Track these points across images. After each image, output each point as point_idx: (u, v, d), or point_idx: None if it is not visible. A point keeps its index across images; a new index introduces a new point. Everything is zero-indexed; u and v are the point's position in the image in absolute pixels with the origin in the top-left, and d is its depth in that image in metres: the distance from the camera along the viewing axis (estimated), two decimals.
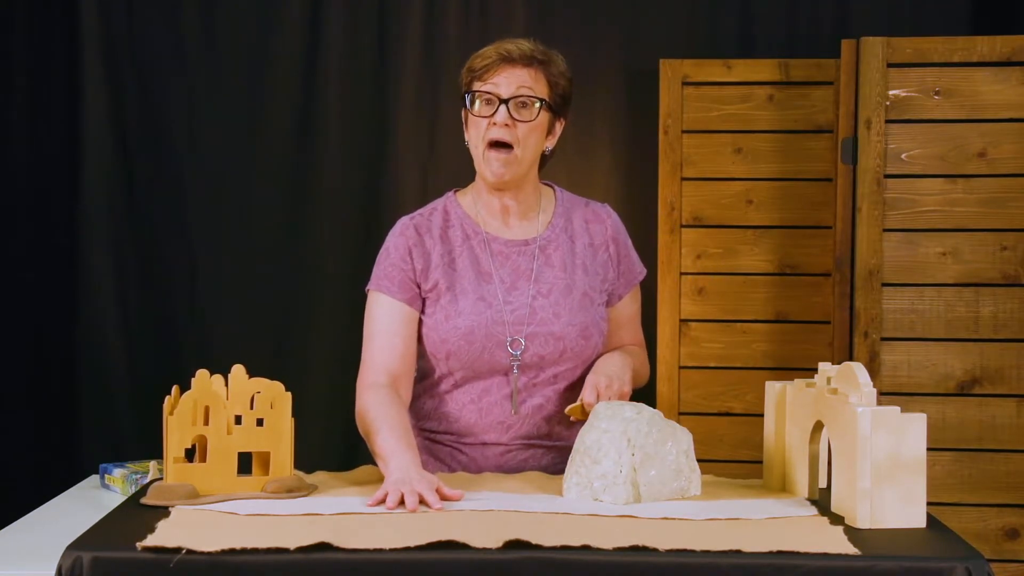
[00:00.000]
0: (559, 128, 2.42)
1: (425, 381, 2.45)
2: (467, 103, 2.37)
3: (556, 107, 2.38)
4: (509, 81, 2.32)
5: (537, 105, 2.34)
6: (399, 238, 2.42)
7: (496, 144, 2.33)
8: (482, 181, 2.41)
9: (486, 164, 2.35)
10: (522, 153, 2.35)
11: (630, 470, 2.03)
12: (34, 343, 3.88)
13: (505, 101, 2.32)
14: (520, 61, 2.33)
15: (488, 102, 2.33)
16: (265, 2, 3.91)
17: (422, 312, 2.40)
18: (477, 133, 2.35)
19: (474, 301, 2.35)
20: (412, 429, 2.34)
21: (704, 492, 2.12)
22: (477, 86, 2.35)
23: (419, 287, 2.40)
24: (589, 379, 2.32)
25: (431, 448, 2.44)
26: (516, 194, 2.42)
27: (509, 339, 2.34)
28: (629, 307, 2.52)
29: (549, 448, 2.38)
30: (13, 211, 3.84)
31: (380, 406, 2.28)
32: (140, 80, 3.91)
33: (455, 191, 2.50)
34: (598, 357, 2.43)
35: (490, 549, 1.72)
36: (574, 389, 2.40)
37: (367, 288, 2.44)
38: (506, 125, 2.32)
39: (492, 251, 2.41)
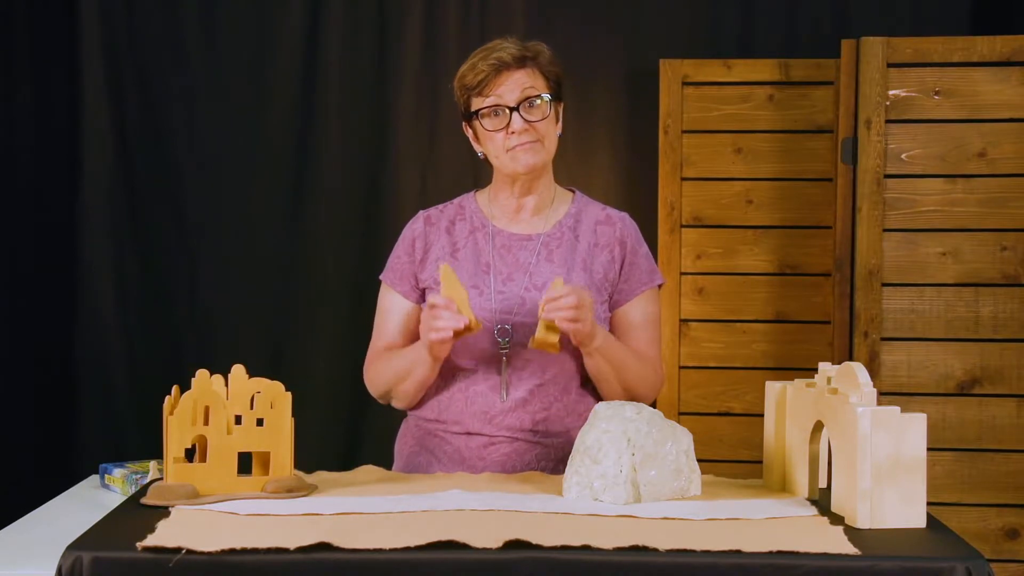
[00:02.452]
0: (561, 112, 2.45)
1: None
2: (474, 119, 2.39)
3: (556, 95, 2.41)
4: (511, 87, 2.35)
5: (545, 102, 2.37)
6: (407, 230, 2.52)
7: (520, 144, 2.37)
8: (506, 178, 2.44)
9: (514, 160, 2.38)
10: (548, 143, 2.40)
11: (630, 470, 2.03)
12: (34, 343, 3.88)
13: (515, 108, 2.34)
14: (515, 64, 2.35)
15: (496, 114, 2.35)
16: (265, 3, 3.91)
17: (421, 302, 2.46)
18: (495, 145, 2.38)
19: (467, 289, 2.37)
20: (409, 417, 2.52)
21: (704, 492, 2.12)
22: (479, 102, 2.37)
23: (416, 278, 2.46)
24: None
25: (422, 439, 2.47)
26: (533, 186, 2.44)
27: (497, 327, 2.36)
28: (634, 312, 2.48)
29: (533, 444, 2.38)
30: (14, 211, 3.84)
31: (378, 361, 2.47)
32: (140, 80, 3.91)
33: (475, 191, 2.55)
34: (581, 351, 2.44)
35: (490, 549, 1.73)
36: (564, 386, 2.40)
37: (380, 276, 2.54)
38: (524, 130, 2.35)
39: (495, 244, 2.44)
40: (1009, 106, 3.41)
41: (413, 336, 2.46)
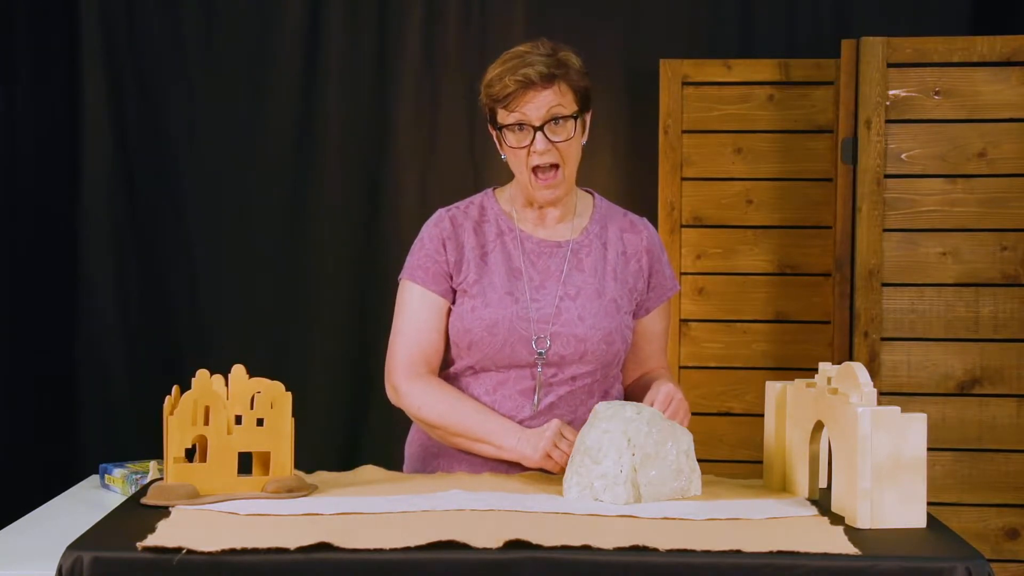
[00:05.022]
0: (589, 119, 2.41)
1: (444, 371, 2.46)
2: (498, 131, 2.35)
3: (584, 108, 2.38)
4: (537, 106, 2.30)
5: (571, 122, 2.33)
6: (434, 229, 2.43)
7: (541, 166, 2.34)
8: (525, 196, 2.41)
9: (534, 189, 2.36)
10: (568, 170, 2.36)
11: (630, 470, 2.03)
12: (34, 343, 3.88)
13: (539, 128, 2.30)
14: (541, 83, 2.29)
15: (521, 130, 2.31)
16: (265, 2, 3.91)
17: (452, 303, 2.41)
18: (518, 160, 2.34)
19: (502, 295, 2.36)
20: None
21: (704, 492, 2.12)
22: (505, 116, 2.32)
23: (451, 279, 2.41)
24: (662, 388, 2.28)
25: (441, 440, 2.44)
26: (555, 202, 2.42)
27: (534, 337, 2.35)
28: (656, 323, 2.49)
29: None
30: (13, 211, 3.84)
31: (446, 391, 2.37)
32: (140, 80, 3.91)
33: (494, 188, 2.50)
34: (620, 363, 2.44)
35: (490, 549, 1.73)
36: (589, 391, 2.40)
37: (400, 277, 2.45)
38: (547, 150, 2.31)
39: (524, 249, 2.41)
40: (1009, 106, 3.41)
41: (444, 335, 2.41)
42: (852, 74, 3.45)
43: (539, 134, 2.30)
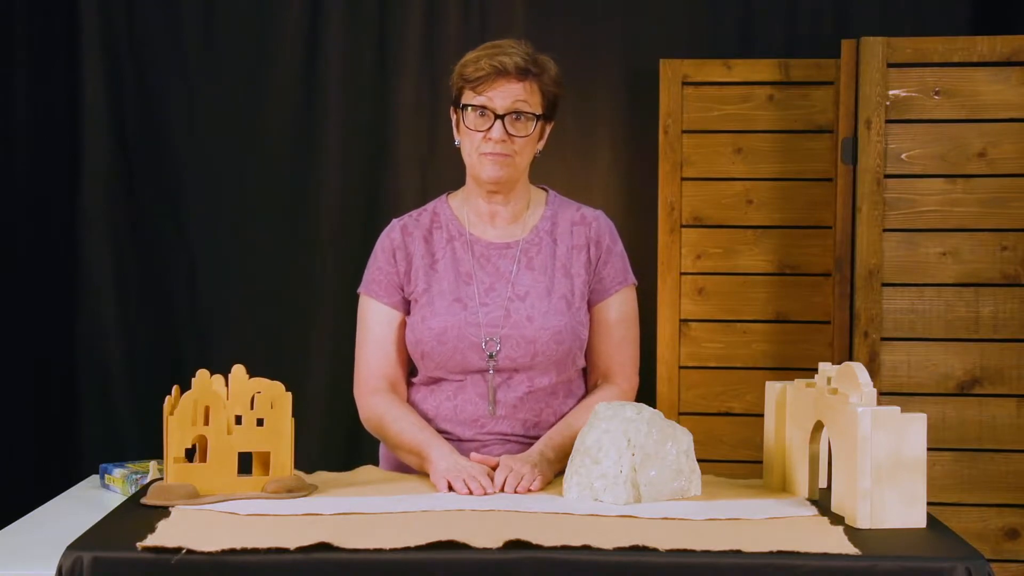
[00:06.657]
0: (548, 131, 2.44)
1: (410, 383, 2.48)
2: (460, 110, 2.39)
3: (548, 115, 2.41)
4: (504, 95, 2.33)
5: (532, 121, 2.36)
6: (385, 240, 2.48)
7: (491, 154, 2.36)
8: (474, 184, 2.44)
9: (481, 167, 2.38)
10: (519, 160, 2.38)
11: (630, 470, 2.03)
12: (34, 343, 3.88)
13: (500, 116, 2.33)
14: (515, 74, 2.33)
15: (482, 115, 2.35)
16: (265, 2, 3.91)
17: (407, 313, 2.44)
18: (471, 143, 2.38)
19: (450, 302, 2.38)
20: None
21: (704, 492, 2.12)
22: (471, 97, 2.35)
23: (403, 289, 2.44)
24: (504, 463, 2.23)
25: None
26: (506, 197, 2.43)
27: (484, 341, 2.35)
28: (608, 311, 2.45)
29: (526, 445, 2.38)
30: (13, 211, 3.84)
31: (392, 406, 2.39)
32: (140, 80, 3.91)
33: (448, 194, 2.53)
34: (577, 360, 2.42)
35: (490, 549, 1.73)
36: (552, 391, 2.40)
37: (358, 291, 2.48)
38: (502, 140, 2.34)
39: (474, 253, 2.42)
40: (1009, 106, 3.41)
41: (404, 346, 2.44)
42: (852, 74, 3.45)
43: (499, 122, 2.33)
